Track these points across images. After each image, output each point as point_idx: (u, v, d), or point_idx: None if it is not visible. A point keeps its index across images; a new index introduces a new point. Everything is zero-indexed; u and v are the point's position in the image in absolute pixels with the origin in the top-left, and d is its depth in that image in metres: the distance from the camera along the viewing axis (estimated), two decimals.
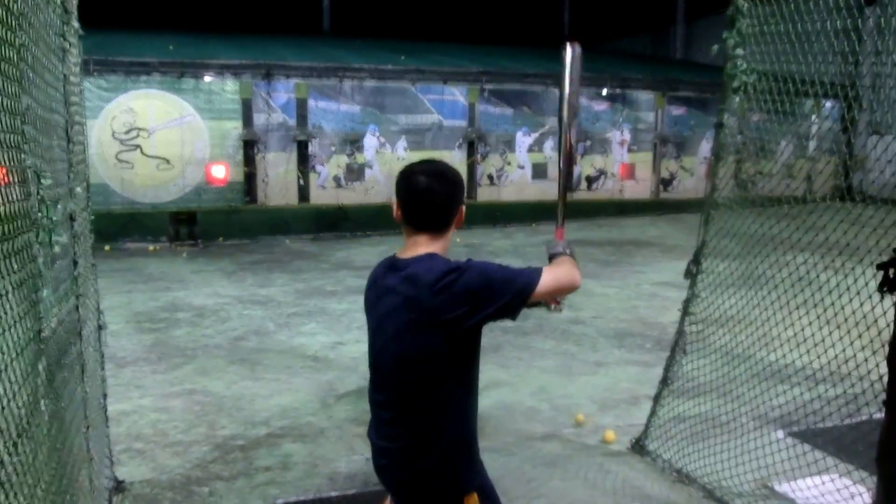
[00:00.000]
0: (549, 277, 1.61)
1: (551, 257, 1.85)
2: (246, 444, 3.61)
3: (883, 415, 2.07)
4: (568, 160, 2.04)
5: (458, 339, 1.58)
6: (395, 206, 1.69)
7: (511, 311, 1.58)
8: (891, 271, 1.79)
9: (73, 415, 2.11)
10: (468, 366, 1.65)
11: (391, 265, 1.68)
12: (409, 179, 1.65)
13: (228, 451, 3.51)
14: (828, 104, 2.92)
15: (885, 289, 1.82)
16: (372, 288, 1.73)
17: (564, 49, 1.96)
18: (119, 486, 3.08)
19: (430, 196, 1.63)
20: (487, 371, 4.71)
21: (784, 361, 2.86)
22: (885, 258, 1.82)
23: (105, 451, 2.94)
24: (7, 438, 1.33)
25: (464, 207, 1.71)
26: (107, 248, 9.37)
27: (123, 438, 3.59)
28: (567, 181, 2.07)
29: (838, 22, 2.44)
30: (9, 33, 1.45)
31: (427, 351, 1.57)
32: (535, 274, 1.59)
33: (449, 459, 1.64)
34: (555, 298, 1.76)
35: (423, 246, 1.64)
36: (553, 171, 12.27)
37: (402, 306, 1.59)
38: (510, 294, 1.55)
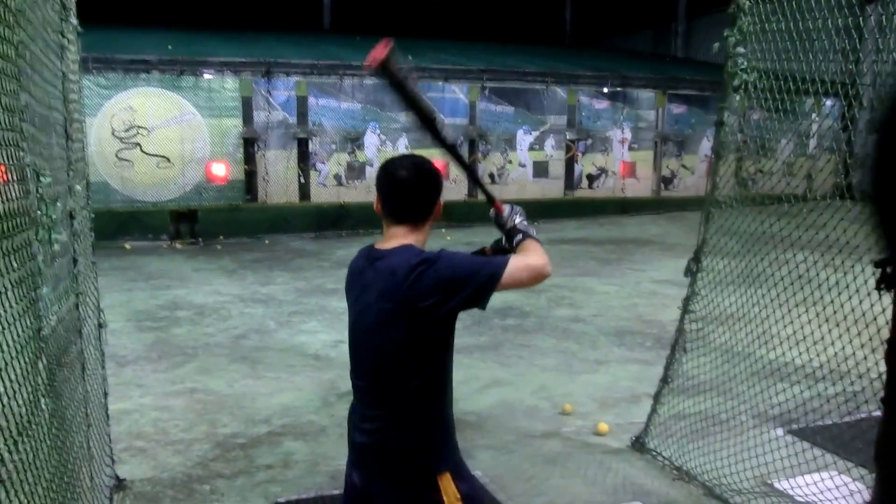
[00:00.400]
0: (517, 266, 1.64)
1: (509, 233, 1.82)
2: (247, 442, 3.61)
3: (881, 413, 2.06)
4: (455, 152, 1.90)
5: (433, 328, 1.63)
6: (375, 200, 1.74)
7: (479, 300, 1.62)
8: (888, 268, 1.78)
9: (73, 413, 2.11)
10: (443, 352, 1.70)
11: (369, 255, 1.73)
12: (389, 172, 1.70)
13: (229, 450, 3.51)
14: (828, 102, 2.91)
15: (882, 286, 1.81)
16: (351, 277, 1.78)
17: (382, 61, 1.62)
18: (120, 484, 3.08)
19: (408, 189, 1.69)
20: (488, 369, 4.72)
21: (783, 359, 2.86)
22: (884, 256, 1.82)
23: (106, 449, 2.94)
24: (8, 437, 1.33)
25: (442, 201, 1.75)
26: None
27: (124, 437, 3.59)
28: (469, 166, 2.05)
29: (839, 20, 2.44)
30: (7, 30, 1.45)
31: (403, 339, 1.63)
32: (503, 263, 1.63)
33: (425, 440, 1.70)
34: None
35: (400, 237, 1.69)
36: (554, 169, 12.27)
37: (379, 296, 1.64)
38: (478, 283, 1.60)
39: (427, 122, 1.78)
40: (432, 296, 1.58)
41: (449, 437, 1.76)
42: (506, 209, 1.87)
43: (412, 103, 1.74)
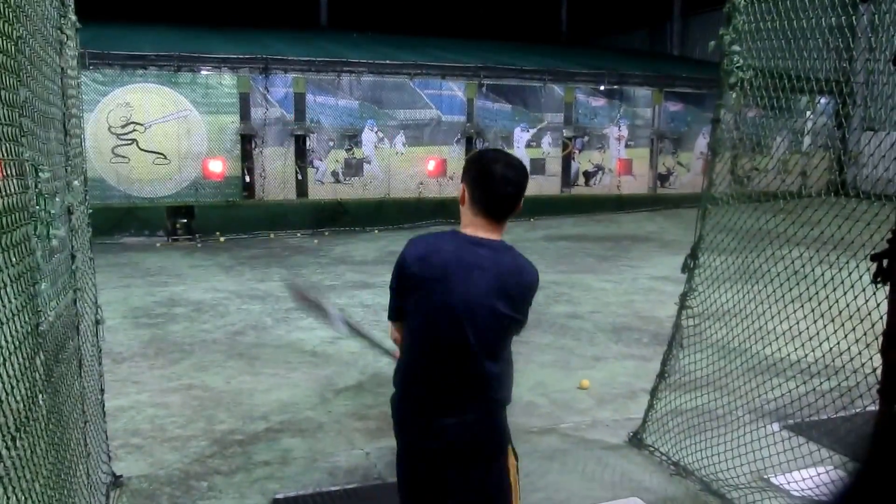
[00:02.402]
0: None
1: None
2: (245, 438, 3.62)
3: (877, 406, 2.08)
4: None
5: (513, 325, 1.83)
6: (463, 190, 1.80)
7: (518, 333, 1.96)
8: (884, 262, 1.80)
9: (70, 409, 2.11)
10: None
11: (470, 240, 1.79)
12: (500, 174, 1.74)
13: (227, 446, 3.52)
14: (822, 100, 2.93)
15: (878, 279, 1.82)
16: (441, 255, 1.79)
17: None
18: (117, 481, 3.07)
19: (518, 193, 1.77)
20: None
21: (779, 355, 2.88)
22: (878, 251, 1.83)
23: (102, 446, 2.94)
24: (5, 433, 1.33)
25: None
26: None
27: (121, 434, 3.59)
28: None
29: (832, 19, 2.45)
30: (7, 25, 1.45)
31: (501, 328, 1.82)
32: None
33: (504, 419, 1.99)
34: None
35: (493, 231, 1.80)
36: (551, 166, 12.27)
37: (496, 285, 1.74)
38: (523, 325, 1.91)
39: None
40: (524, 310, 1.81)
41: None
42: None
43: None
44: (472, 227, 1.78)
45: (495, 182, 1.71)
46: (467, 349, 1.74)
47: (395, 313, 1.88)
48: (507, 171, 1.72)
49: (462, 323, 1.73)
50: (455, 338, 1.75)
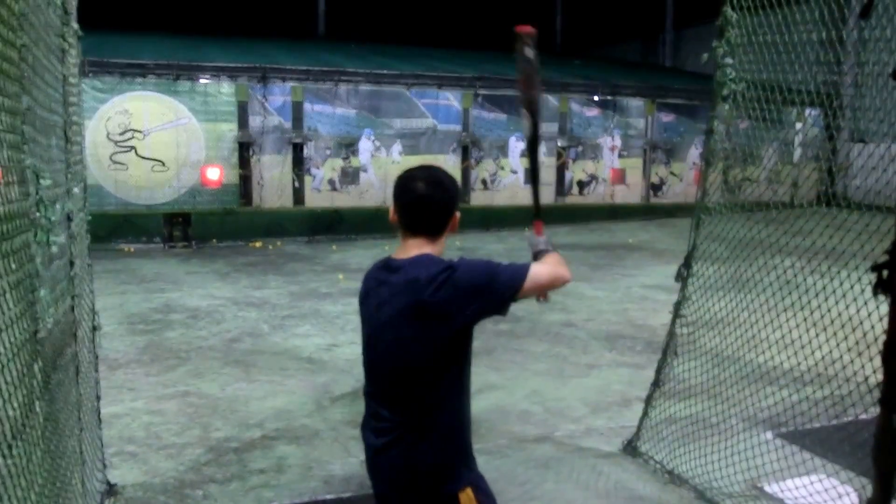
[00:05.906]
0: (538, 273, 1.67)
1: (536, 255, 1.90)
2: (240, 446, 3.61)
3: (870, 415, 2.10)
4: (536, 150, 2.07)
5: (451, 338, 1.63)
6: (391, 210, 1.74)
7: (502, 306, 1.64)
8: (884, 273, 1.82)
9: (67, 417, 2.11)
10: (461, 362, 1.70)
11: (386, 266, 1.73)
12: (407, 185, 1.70)
13: (222, 454, 3.51)
14: (813, 112, 2.98)
15: (879, 290, 1.84)
16: (367, 290, 1.78)
17: (521, 40, 1.87)
18: (111, 490, 3.06)
19: (426, 203, 1.69)
20: (481, 374, 4.72)
21: (772, 363, 2.90)
22: (870, 262, 1.86)
23: (98, 453, 2.93)
24: (2, 440, 1.33)
25: (458, 213, 1.75)
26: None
27: (116, 441, 3.57)
28: (537, 174, 2.08)
29: (823, 33, 2.50)
30: (11, 34, 1.47)
31: (422, 351, 1.63)
32: (523, 270, 1.66)
33: (445, 458, 1.68)
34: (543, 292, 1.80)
35: (417, 248, 1.70)
36: (545, 176, 12.34)
37: (400, 309, 1.63)
38: (497, 291, 1.62)
39: (534, 112, 1.86)
40: (452, 304, 1.59)
41: (467, 451, 1.74)
42: (545, 235, 1.96)
43: (530, 87, 1.84)
44: (400, 248, 1.73)
45: (404, 192, 1.69)
46: (387, 375, 1.69)
47: None
48: (417, 184, 1.68)
49: (377, 349, 1.71)
50: (377, 364, 1.72)
